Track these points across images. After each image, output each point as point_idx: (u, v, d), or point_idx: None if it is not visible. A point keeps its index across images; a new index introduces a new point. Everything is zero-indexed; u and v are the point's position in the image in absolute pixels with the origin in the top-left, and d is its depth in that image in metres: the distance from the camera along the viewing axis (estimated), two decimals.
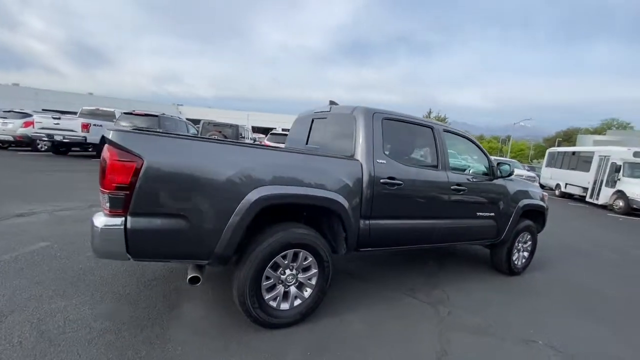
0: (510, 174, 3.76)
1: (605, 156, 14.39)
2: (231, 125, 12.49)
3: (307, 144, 3.72)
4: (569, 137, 60.61)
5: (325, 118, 3.46)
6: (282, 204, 2.32)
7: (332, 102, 3.59)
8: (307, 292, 2.57)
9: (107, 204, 1.87)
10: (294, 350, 2.24)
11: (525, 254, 4.43)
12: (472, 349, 2.51)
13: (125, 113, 10.91)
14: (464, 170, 3.70)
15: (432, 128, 3.42)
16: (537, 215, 4.45)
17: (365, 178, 2.76)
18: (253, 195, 2.16)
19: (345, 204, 2.59)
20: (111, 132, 1.87)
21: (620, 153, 13.95)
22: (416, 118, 3.33)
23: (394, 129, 3.09)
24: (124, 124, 10.71)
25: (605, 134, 54.72)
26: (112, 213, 1.89)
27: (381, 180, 2.83)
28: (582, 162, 15.90)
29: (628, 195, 12.49)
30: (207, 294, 2.88)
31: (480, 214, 3.74)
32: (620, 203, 12.84)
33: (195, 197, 2.03)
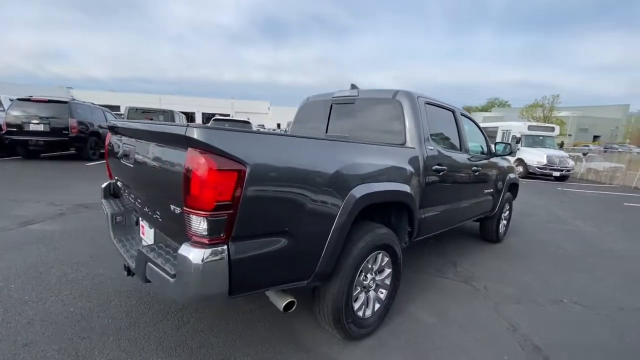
0: (511, 152, 4.09)
1: (507, 130, 17.08)
2: (164, 112, 10.81)
3: (327, 132, 3.39)
4: None
5: (353, 103, 3.17)
6: (376, 203, 2.05)
7: (353, 86, 3.32)
8: (383, 294, 2.39)
9: (205, 230, 1.36)
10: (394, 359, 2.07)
11: (505, 222, 4.98)
12: (529, 317, 2.71)
13: (20, 99, 8.46)
14: (473, 150, 3.88)
15: (453, 111, 3.45)
16: (514, 188, 5.01)
17: (422, 166, 2.64)
18: (354, 196, 1.84)
19: (413, 195, 2.45)
20: (196, 130, 1.32)
21: (518, 127, 16.72)
22: (442, 101, 3.31)
23: (432, 113, 3.01)
24: (17, 114, 8.37)
25: (490, 111, 65.13)
26: (213, 242, 1.37)
27: (433, 168, 2.75)
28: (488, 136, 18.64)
29: (526, 162, 15.14)
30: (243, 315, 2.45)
31: (486, 191, 4.01)
32: (520, 169, 15.50)
33: (298, 207, 1.63)
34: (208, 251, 1.35)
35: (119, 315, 2.31)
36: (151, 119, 10.66)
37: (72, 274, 2.84)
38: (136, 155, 1.78)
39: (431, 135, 2.91)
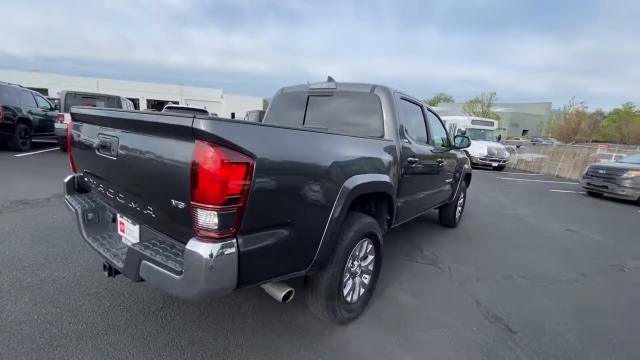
0: (469, 145, 4.46)
1: (453, 124, 18.43)
2: (109, 97, 9.77)
3: (304, 123, 3.41)
4: None
5: (331, 96, 3.22)
6: (364, 194, 2.15)
7: (330, 78, 3.37)
8: (367, 279, 2.52)
9: (215, 224, 1.33)
10: (384, 338, 2.23)
11: (460, 209, 5.46)
12: (487, 292, 3.05)
13: None
14: (436, 143, 4.18)
15: (421, 106, 3.68)
16: (468, 177, 5.49)
17: (399, 158, 2.80)
18: (347, 187, 1.92)
19: (393, 185, 2.60)
20: (204, 122, 1.27)
21: (463, 121, 18.13)
22: (412, 96, 3.50)
23: (405, 107, 3.18)
24: None
25: (437, 106, 69.35)
26: (222, 236, 1.35)
27: (407, 159, 2.93)
28: None
29: (470, 154, 16.52)
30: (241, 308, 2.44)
31: (446, 180, 4.35)
32: None
33: (300, 199, 1.66)
34: (218, 245, 1.33)
35: (93, 319, 2.15)
36: (94, 105, 9.64)
37: (27, 279, 2.55)
38: (121, 147, 1.65)
39: (405, 128, 3.08)
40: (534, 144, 24.04)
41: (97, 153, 1.85)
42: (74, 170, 2.37)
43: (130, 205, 1.75)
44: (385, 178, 2.45)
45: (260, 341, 2.09)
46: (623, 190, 9.28)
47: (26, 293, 2.37)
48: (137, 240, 1.86)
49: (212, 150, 1.28)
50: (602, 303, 3.10)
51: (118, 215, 2.02)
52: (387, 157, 2.60)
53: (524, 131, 55.86)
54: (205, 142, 1.29)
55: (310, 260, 1.82)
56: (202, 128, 1.27)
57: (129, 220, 1.91)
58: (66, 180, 2.37)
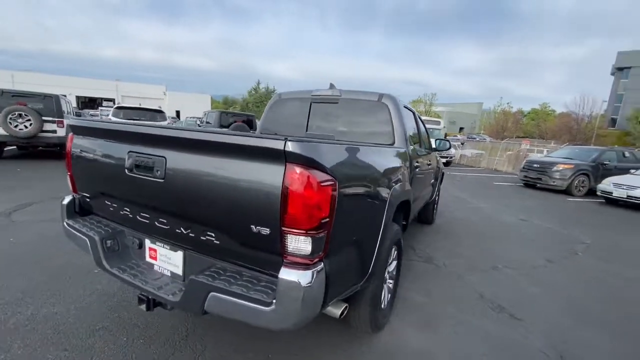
0: (449, 147, 4.79)
1: None
2: (46, 96, 8.47)
3: (307, 131, 3.36)
4: None
5: (337, 103, 3.23)
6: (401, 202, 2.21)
7: (332, 85, 3.38)
8: (391, 284, 2.60)
9: (309, 250, 1.27)
10: (416, 339, 2.32)
11: (436, 206, 5.85)
12: (484, 283, 3.34)
13: None
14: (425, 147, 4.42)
15: (413, 112, 3.86)
16: (442, 177, 5.90)
17: (409, 164, 2.92)
18: (392, 197, 1.96)
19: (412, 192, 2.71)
20: (297, 144, 1.21)
21: None
22: (406, 104, 3.66)
23: (405, 115, 3.32)
24: None
25: None
26: (314, 260, 1.30)
27: (414, 164, 3.07)
28: None
29: None
30: None
31: (431, 181, 4.63)
32: None
33: (363, 212, 1.67)
34: (312, 272, 1.28)
35: (114, 356, 1.91)
36: (25, 104, 8.33)
37: (10, 320, 2.16)
38: (170, 169, 1.49)
39: (409, 135, 3.22)
40: (473, 140, 26.55)
41: (129, 173, 1.63)
42: (74, 191, 2.06)
43: (176, 230, 1.58)
44: (409, 186, 2.54)
45: (310, 355, 2.04)
46: (554, 181, 10.73)
47: (17, 337, 2.01)
48: (180, 268, 1.69)
49: (307, 173, 1.23)
50: (575, 285, 3.58)
51: (148, 241, 1.81)
52: (405, 164, 2.70)
53: (460, 128, 61.22)
54: (298, 165, 1.23)
55: (367, 273, 1.83)
56: (295, 150, 1.21)
57: (166, 246, 1.73)
58: (65, 202, 2.05)
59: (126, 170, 1.64)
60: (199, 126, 12.93)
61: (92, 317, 2.28)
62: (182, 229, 1.57)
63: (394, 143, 2.92)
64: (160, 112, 9.67)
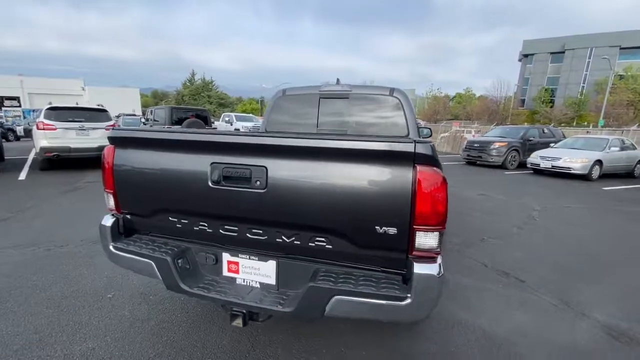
0: (430, 135, 5.15)
1: None
2: None
3: (317, 126, 3.37)
4: None
5: (347, 98, 3.28)
6: None
7: (338, 80, 3.43)
8: None
9: (436, 244, 1.36)
10: (453, 309, 2.58)
11: None
12: (483, 254, 3.77)
13: None
14: None
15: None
16: None
17: None
18: None
19: None
20: (423, 145, 1.28)
21: None
22: None
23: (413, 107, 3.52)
24: None
25: None
26: (439, 253, 1.40)
27: None
28: None
29: None
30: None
31: None
32: None
33: None
34: (438, 264, 1.38)
35: None
36: None
37: None
38: (276, 177, 1.43)
39: None
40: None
41: (213, 186, 1.53)
42: (118, 210, 1.84)
43: (277, 240, 1.54)
44: None
45: (380, 344, 2.15)
46: (492, 158, 12.18)
47: None
48: (272, 278, 1.65)
49: (434, 172, 1.31)
50: (547, 245, 4.23)
51: (226, 254, 1.71)
52: None
53: None
54: (426, 165, 1.31)
55: None
56: (423, 152, 1.28)
57: (253, 257, 1.66)
58: (107, 223, 1.81)
59: (210, 183, 1.53)
60: (144, 124, 11.79)
61: (139, 345, 2.08)
62: (283, 237, 1.53)
63: (408, 135, 3.10)
64: (102, 111, 8.57)
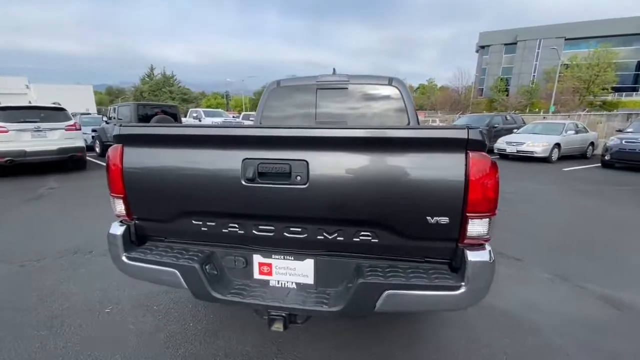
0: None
1: None
2: None
3: (316, 118, 3.28)
4: None
5: (346, 88, 3.21)
6: None
7: (334, 71, 3.36)
8: None
9: (486, 230, 1.36)
10: None
11: None
12: None
13: None
14: None
15: None
16: None
17: None
18: None
19: None
20: (475, 131, 1.25)
21: None
22: None
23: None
24: None
25: None
26: (489, 238, 1.39)
27: None
28: None
29: None
30: None
31: None
32: None
33: None
34: (489, 250, 1.38)
35: None
36: None
37: None
38: (318, 171, 1.35)
39: None
40: None
41: (247, 184, 1.41)
42: (129, 217, 1.65)
43: (317, 237, 1.46)
44: None
45: (408, 334, 2.16)
46: None
47: None
48: (310, 277, 1.57)
49: (486, 159, 1.30)
50: (528, 226, 4.49)
51: (258, 256, 1.60)
52: None
53: None
54: (478, 152, 1.29)
55: None
56: (476, 138, 1.26)
57: (288, 257, 1.57)
58: (119, 232, 1.62)
59: (243, 181, 1.41)
60: (107, 123, 10.91)
61: None
62: (325, 234, 1.46)
63: (409, 123, 3.10)
64: (60, 110, 7.81)
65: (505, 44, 52.14)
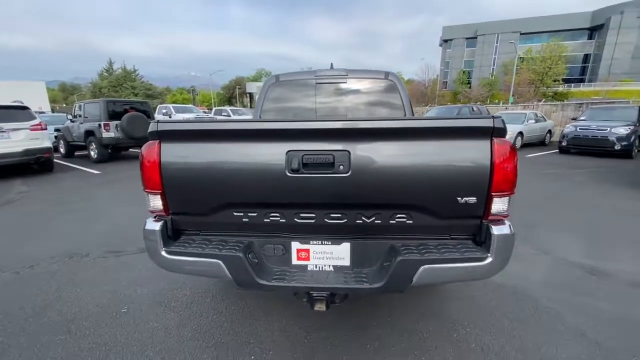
0: None
1: None
2: None
3: (316, 112, 3.37)
4: (239, 84, 73.71)
5: (345, 83, 3.32)
6: None
7: (332, 65, 3.46)
8: None
9: (506, 207, 1.55)
10: None
11: None
12: None
13: None
14: None
15: None
16: None
17: None
18: None
19: None
20: (498, 120, 1.43)
21: None
22: None
23: None
24: None
25: (261, 80, 71.62)
26: (507, 215, 1.58)
27: None
28: None
29: None
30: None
31: None
32: None
33: None
34: (509, 224, 1.58)
35: None
36: None
37: None
38: (360, 160, 1.46)
39: None
40: None
41: (291, 175, 1.49)
42: (166, 212, 1.67)
43: (357, 222, 1.58)
44: None
45: (416, 308, 2.35)
46: None
47: None
48: (347, 260, 1.69)
49: (508, 144, 1.48)
50: None
51: (296, 243, 1.70)
52: None
53: None
54: (500, 138, 1.46)
55: None
56: (499, 126, 1.43)
57: (326, 242, 1.68)
58: (157, 228, 1.64)
59: (287, 172, 1.50)
60: (72, 121, 10.22)
61: (188, 354, 1.96)
62: (364, 218, 1.58)
63: (405, 115, 3.28)
64: (23, 108, 7.24)
65: (467, 38, 54.58)
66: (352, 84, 3.33)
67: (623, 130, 9.51)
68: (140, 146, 1.65)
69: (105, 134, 9.01)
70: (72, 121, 10.21)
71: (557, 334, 2.10)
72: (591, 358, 1.90)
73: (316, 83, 3.35)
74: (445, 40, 57.54)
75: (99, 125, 8.99)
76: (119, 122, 9.12)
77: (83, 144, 9.75)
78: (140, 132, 9.15)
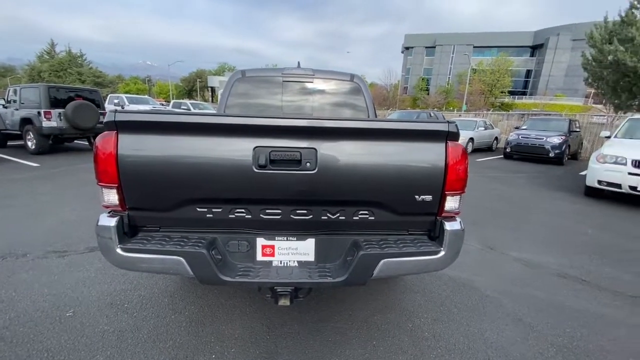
0: None
1: None
2: None
3: (282, 109, 3.38)
4: (200, 77, 70.69)
5: (311, 82, 3.36)
6: None
7: (299, 64, 3.48)
8: None
9: (457, 205, 1.69)
10: None
11: None
12: None
13: None
14: None
15: None
16: None
17: None
18: None
19: None
20: (453, 125, 1.56)
21: None
22: None
23: None
24: None
25: (224, 75, 69.37)
26: (459, 212, 1.72)
27: None
28: None
29: None
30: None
31: None
32: None
33: None
34: (459, 221, 1.72)
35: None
36: None
37: None
38: (326, 158, 1.50)
39: None
40: None
41: (258, 170, 1.50)
42: (122, 207, 1.58)
43: (322, 217, 1.62)
44: None
45: (379, 302, 2.46)
46: None
47: None
48: (311, 255, 1.73)
49: (460, 147, 1.61)
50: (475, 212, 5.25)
51: (261, 239, 1.70)
52: None
53: None
54: (454, 141, 1.59)
55: None
56: (453, 130, 1.56)
57: (291, 238, 1.70)
58: (111, 224, 1.55)
59: (254, 168, 1.50)
60: (4, 107, 9.14)
61: (143, 356, 1.88)
62: (329, 215, 1.63)
63: (368, 116, 3.41)
64: None
65: (426, 47, 57.49)
66: (318, 84, 3.38)
67: (556, 140, 10.67)
68: (87, 137, 1.55)
69: (45, 123, 8.16)
70: (4, 107, 9.13)
71: (498, 321, 2.33)
72: (525, 340, 2.14)
73: (283, 81, 3.35)
74: (407, 48, 60.11)
75: (38, 112, 8.13)
76: (64, 110, 8.33)
77: (18, 132, 8.76)
78: (88, 123, 8.43)
